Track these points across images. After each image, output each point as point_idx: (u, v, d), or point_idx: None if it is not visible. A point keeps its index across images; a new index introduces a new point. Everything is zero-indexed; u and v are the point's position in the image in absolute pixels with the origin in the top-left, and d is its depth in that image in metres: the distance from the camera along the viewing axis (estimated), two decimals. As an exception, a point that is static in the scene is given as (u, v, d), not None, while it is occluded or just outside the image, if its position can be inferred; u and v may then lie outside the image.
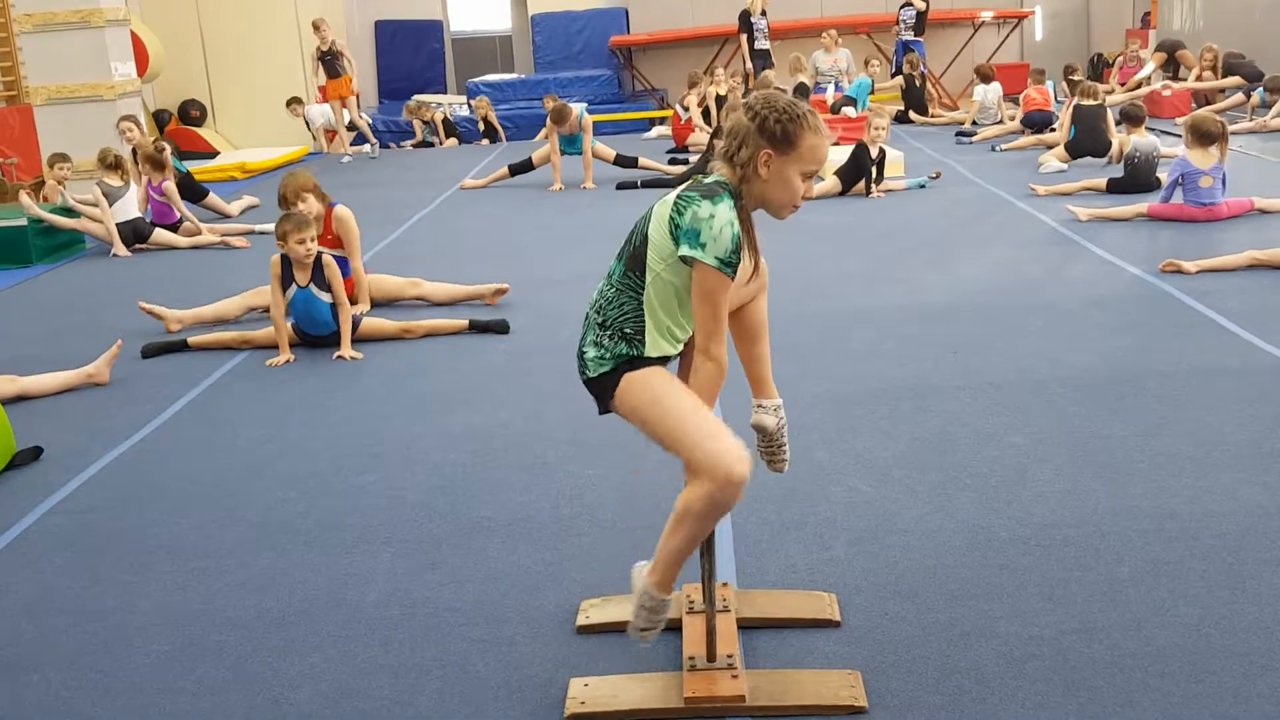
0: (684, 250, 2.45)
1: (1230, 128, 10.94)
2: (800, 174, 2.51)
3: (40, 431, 4.64)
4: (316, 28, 13.29)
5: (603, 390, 2.60)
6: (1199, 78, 13.45)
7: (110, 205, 8.69)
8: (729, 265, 2.44)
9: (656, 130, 14.75)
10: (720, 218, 2.43)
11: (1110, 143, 9.68)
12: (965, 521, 3.42)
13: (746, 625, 2.87)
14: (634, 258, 2.56)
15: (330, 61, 13.23)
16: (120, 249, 8.63)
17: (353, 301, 6.27)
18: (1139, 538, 3.25)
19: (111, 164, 8.72)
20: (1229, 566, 3.05)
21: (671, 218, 2.48)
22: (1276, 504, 3.41)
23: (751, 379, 2.93)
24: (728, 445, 2.44)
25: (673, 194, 2.53)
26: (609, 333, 2.57)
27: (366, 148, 14.03)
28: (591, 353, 2.59)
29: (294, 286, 5.60)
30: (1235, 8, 14.74)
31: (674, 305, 2.56)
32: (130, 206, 8.83)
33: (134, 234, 8.78)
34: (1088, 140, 9.87)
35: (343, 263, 6.22)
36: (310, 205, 5.99)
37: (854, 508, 3.56)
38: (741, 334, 2.86)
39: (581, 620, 2.94)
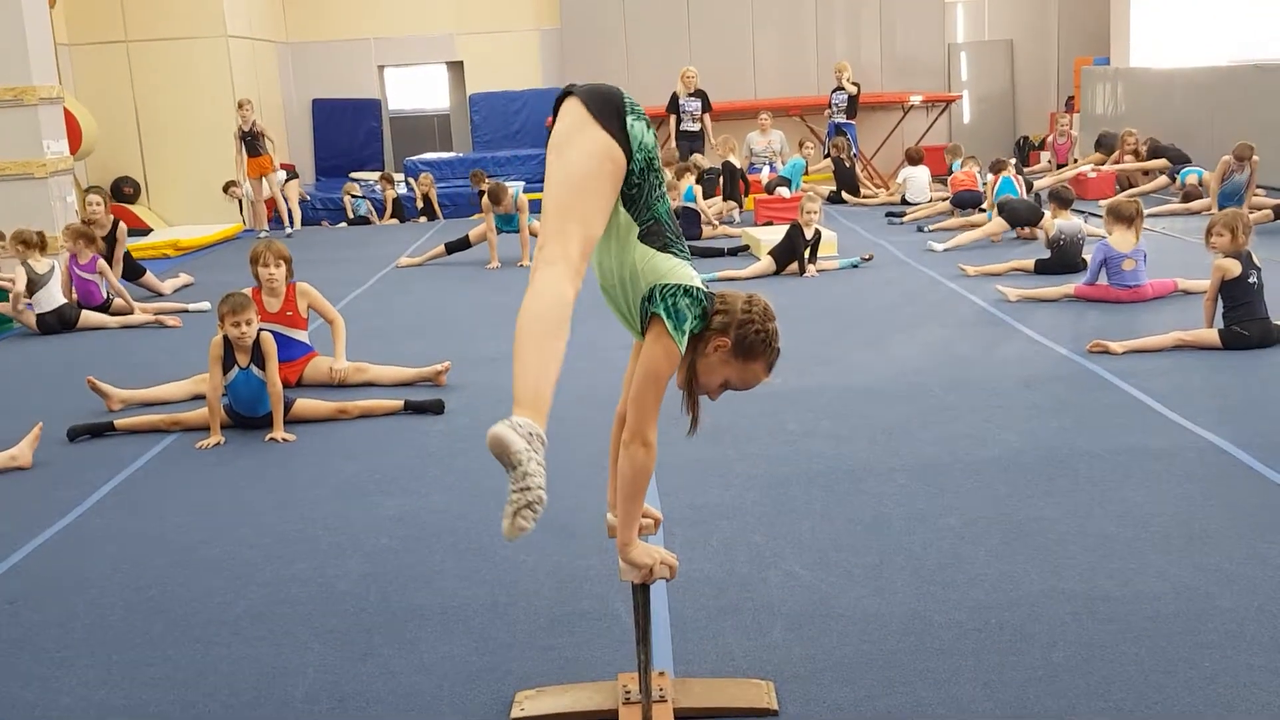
0: (659, 311, 2.52)
1: (1155, 210, 11.31)
2: (727, 379, 2.62)
3: (-41, 519, 4.51)
4: (241, 107, 13.64)
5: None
6: (1119, 161, 13.84)
7: (34, 292, 8.35)
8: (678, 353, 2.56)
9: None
10: (690, 324, 2.57)
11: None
12: (902, 605, 3.42)
13: (684, 715, 2.84)
14: (644, 220, 2.59)
15: (251, 141, 13.60)
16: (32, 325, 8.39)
17: (300, 384, 6.23)
18: (1072, 620, 3.27)
19: (35, 244, 8.39)
20: (1161, 650, 3.08)
21: (675, 289, 2.55)
22: (1206, 586, 3.45)
23: None
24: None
25: (688, 270, 2.60)
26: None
27: (285, 229, 14.04)
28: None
29: (235, 368, 5.53)
30: (1156, 92, 15.21)
31: (611, 235, 2.58)
32: (55, 293, 8.49)
33: (60, 322, 8.45)
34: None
35: (286, 342, 6.17)
36: (281, 273, 6.29)
37: (791, 592, 3.55)
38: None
39: (516, 713, 2.89)
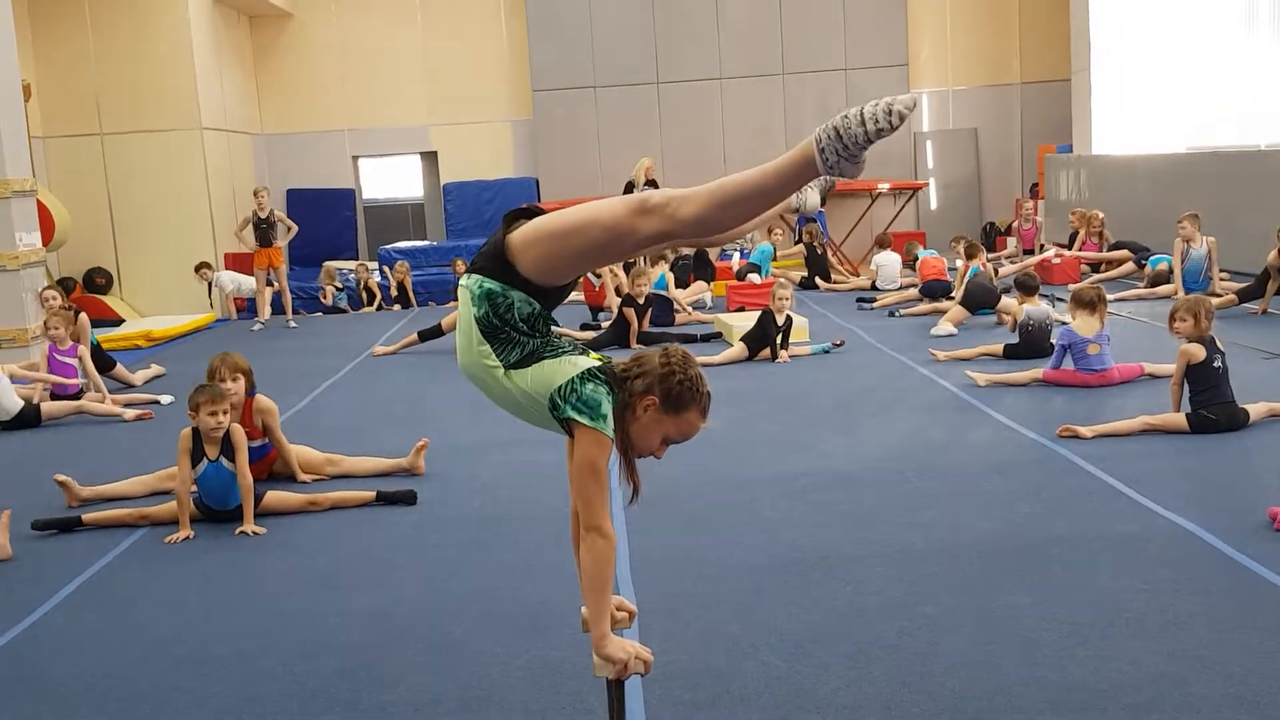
0: (570, 414, 2.60)
1: (1121, 295, 11.49)
2: (665, 434, 2.65)
3: (-78, 618, 4.44)
4: (256, 195, 13.50)
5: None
6: (1083, 245, 14.08)
7: None
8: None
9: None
10: (607, 404, 2.62)
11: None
12: (879, 696, 3.40)
13: (659, 813, 2.80)
14: (508, 358, 2.72)
15: (265, 230, 13.35)
16: None
17: (272, 476, 6.17)
18: (1050, 709, 3.26)
19: None
20: (1138, 739, 3.07)
21: (570, 385, 2.57)
22: (1181, 673, 3.45)
23: None
24: None
25: (570, 361, 2.65)
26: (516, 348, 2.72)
27: (291, 321, 13.98)
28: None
29: (204, 461, 5.49)
30: (1118, 178, 15.49)
31: (485, 381, 2.77)
32: (7, 402, 8.24)
33: (20, 425, 8.22)
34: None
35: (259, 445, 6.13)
36: (239, 386, 5.94)
37: (768, 684, 3.52)
38: None
39: (489, 813, 2.84)
